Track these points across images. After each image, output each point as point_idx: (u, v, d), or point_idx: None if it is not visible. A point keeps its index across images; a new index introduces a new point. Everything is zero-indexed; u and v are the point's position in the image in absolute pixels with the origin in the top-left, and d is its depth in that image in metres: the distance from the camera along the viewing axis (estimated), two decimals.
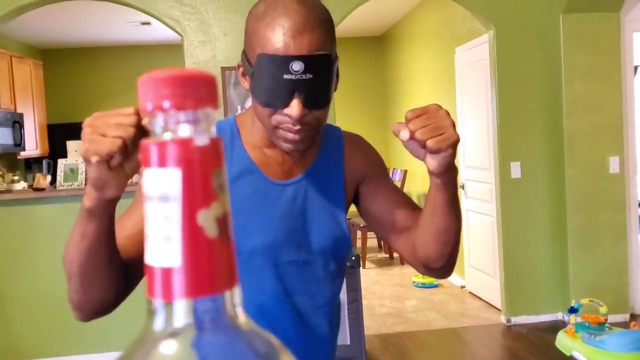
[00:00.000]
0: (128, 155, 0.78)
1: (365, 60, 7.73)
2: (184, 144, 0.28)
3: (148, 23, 6.23)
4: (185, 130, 0.28)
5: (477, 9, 4.09)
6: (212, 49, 3.91)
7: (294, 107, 0.94)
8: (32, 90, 6.47)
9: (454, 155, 0.93)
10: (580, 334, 2.79)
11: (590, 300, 3.06)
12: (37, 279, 3.74)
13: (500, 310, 4.39)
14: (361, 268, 3.95)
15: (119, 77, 7.54)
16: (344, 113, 7.05)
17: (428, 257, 1.05)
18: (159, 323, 0.28)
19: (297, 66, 0.91)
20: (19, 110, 6.05)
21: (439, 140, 0.88)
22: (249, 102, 3.44)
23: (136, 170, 0.80)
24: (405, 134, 0.89)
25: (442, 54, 5.50)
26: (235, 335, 0.29)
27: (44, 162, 6.03)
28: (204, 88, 0.28)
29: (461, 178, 5.09)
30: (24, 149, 6.08)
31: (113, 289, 0.91)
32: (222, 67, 3.90)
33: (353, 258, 3.10)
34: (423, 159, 0.94)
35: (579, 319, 2.93)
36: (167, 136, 0.28)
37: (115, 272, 0.90)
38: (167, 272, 0.28)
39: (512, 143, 4.16)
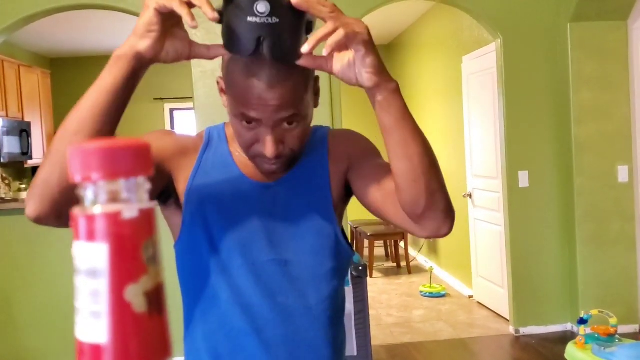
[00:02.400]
0: (177, 37, 0.86)
1: None
2: (111, 218, 0.27)
3: None
4: (113, 203, 0.28)
5: (485, 17, 4.08)
6: (219, 58, 3.90)
7: (268, 147, 0.94)
8: (40, 99, 6.49)
9: (373, 56, 0.88)
10: (590, 346, 2.75)
11: (600, 311, 3.02)
12: (43, 287, 3.74)
13: (508, 320, 4.35)
14: (368, 277, 3.93)
15: None
16: (351, 120, 7.04)
17: (406, 202, 0.94)
18: None
19: (262, 7, 0.85)
20: (26, 119, 6.07)
21: (340, 34, 0.83)
22: None
23: (175, 56, 0.87)
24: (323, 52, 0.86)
25: (449, 62, 5.49)
26: None
27: None
28: (134, 158, 0.28)
29: (469, 187, 5.06)
30: (31, 158, 6.10)
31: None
32: None
33: (360, 268, 3.08)
34: (356, 82, 0.90)
35: (588, 330, 2.89)
36: (96, 209, 0.27)
37: (117, 123, 0.88)
38: (95, 349, 0.27)
39: (520, 152, 4.13)
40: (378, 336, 4.14)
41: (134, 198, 0.28)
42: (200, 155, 1.06)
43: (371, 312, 3.13)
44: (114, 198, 0.28)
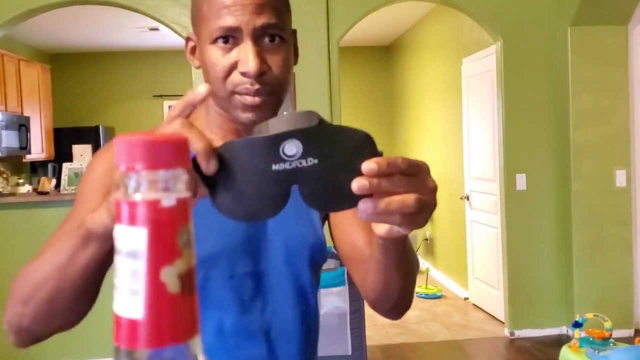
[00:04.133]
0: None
1: (372, 70, 7.73)
2: (151, 205, 0.30)
3: (156, 29, 6.25)
4: (154, 191, 0.30)
5: (485, 20, 4.09)
6: None
7: (250, 58, 0.83)
8: (40, 94, 6.49)
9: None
10: (585, 349, 2.75)
11: (595, 315, 3.03)
12: None
13: (503, 323, 4.36)
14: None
15: (126, 82, 7.56)
16: (350, 122, 7.04)
17: (371, 300, 0.90)
18: None
19: (290, 149, 0.66)
20: (25, 114, 6.07)
21: (412, 220, 0.58)
22: None
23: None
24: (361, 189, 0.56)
25: (449, 64, 5.49)
26: None
27: (49, 166, 6.04)
28: (174, 151, 0.31)
29: (466, 189, 5.07)
30: (29, 152, 6.09)
31: (84, 311, 0.77)
32: None
33: None
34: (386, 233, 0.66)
35: (583, 334, 2.90)
36: (137, 196, 0.30)
37: (95, 295, 0.77)
38: (132, 323, 0.30)
39: (518, 155, 4.14)
40: (373, 336, 4.14)
41: (172, 188, 0.31)
42: None
43: (366, 311, 3.13)
44: (154, 187, 0.30)
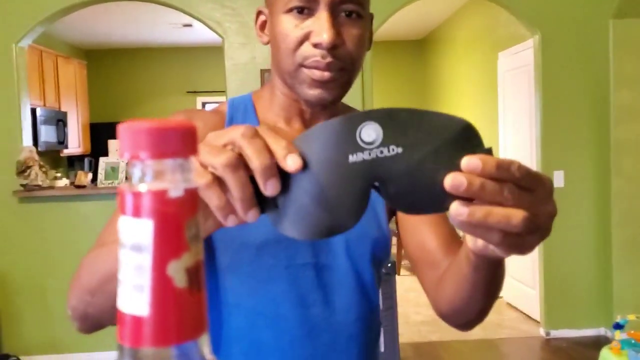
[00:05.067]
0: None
1: (406, 64, 7.66)
2: (158, 196, 0.28)
3: (190, 25, 6.30)
4: (160, 181, 0.29)
5: (522, 13, 4.00)
6: (252, 50, 3.93)
7: (324, 28, 0.78)
8: (76, 90, 6.61)
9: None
10: (627, 352, 2.68)
11: (637, 317, 2.94)
12: None
13: (539, 322, 4.28)
14: (396, 275, 3.89)
15: (160, 78, 7.65)
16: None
17: (443, 313, 0.82)
18: None
19: (369, 133, 0.50)
20: (63, 109, 6.19)
21: (515, 243, 0.47)
22: None
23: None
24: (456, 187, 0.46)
25: (484, 59, 5.40)
26: None
27: (86, 160, 6.16)
28: (181, 139, 0.29)
29: None
30: (67, 147, 6.21)
31: None
32: (261, 70, 3.92)
33: (389, 265, 3.05)
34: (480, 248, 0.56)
35: (624, 336, 2.82)
36: (143, 186, 0.28)
37: None
38: (136, 320, 0.28)
39: (556, 151, 4.05)
40: (405, 334, 4.11)
41: (179, 178, 0.29)
42: None
43: (399, 309, 3.10)
44: (160, 177, 0.29)
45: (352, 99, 3.80)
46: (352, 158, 0.47)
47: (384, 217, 0.92)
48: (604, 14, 3.94)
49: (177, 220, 0.28)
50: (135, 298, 0.28)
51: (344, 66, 0.81)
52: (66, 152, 6.35)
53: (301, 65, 0.81)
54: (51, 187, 3.91)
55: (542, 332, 4.15)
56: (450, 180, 0.45)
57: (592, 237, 4.06)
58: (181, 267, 0.28)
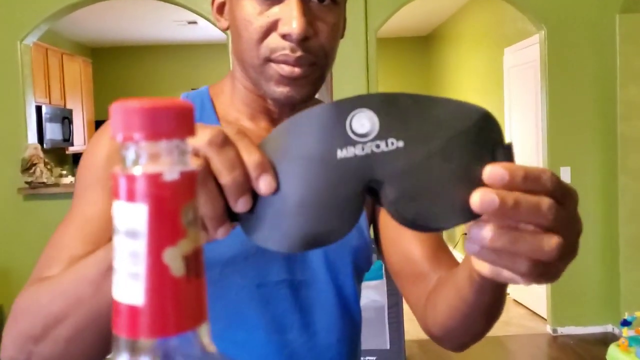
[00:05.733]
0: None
1: (410, 61, 7.64)
2: (152, 179, 0.27)
3: (194, 22, 6.30)
4: (155, 163, 0.27)
5: (528, 8, 3.97)
6: None
7: (294, 17, 0.66)
8: (82, 87, 6.62)
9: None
10: (634, 349, 2.66)
11: None
12: None
13: (545, 319, 4.25)
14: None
15: (165, 75, 7.66)
16: None
17: (434, 334, 0.73)
18: None
19: (360, 122, 0.42)
20: (68, 107, 6.20)
21: (544, 271, 0.40)
22: None
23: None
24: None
25: (490, 55, 5.38)
26: None
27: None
28: (177, 119, 0.27)
29: None
30: (72, 144, 6.22)
31: (108, 351, 0.59)
32: None
33: None
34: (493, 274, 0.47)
35: (632, 333, 2.80)
36: (136, 169, 0.27)
37: None
38: (132, 310, 0.27)
39: (562, 147, 4.02)
40: (410, 331, 4.09)
41: (175, 160, 0.28)
42: None
43: (404, 306, 3.09)
44: (155, 159, 0.27)
45: (356, 82, 3.78)
46: (342, 153, 0.38)
47: (365, 223, 0.81)
48: (611, 8, 3.91)
49: (172, 204, 0.27)
50: (130, 287, 0.27)
51: (316, 60, 0.71)
52: (71, 149, 6.35)
53: (268, 60, 0.70)
54: (56, 185, 3.91)
55: (549, 329, 4.13)
56: (479, 199, 0.36)
57: (599, 233, 4.04)
58: (178, 254, 0.27)
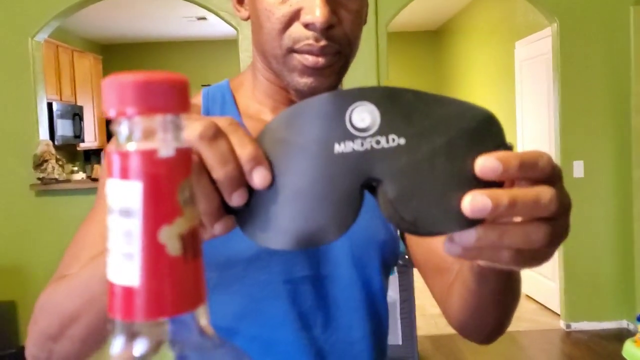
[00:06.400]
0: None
1: (420, 56, 7.59)
2: (147, 156, 0.26)
3: (204, 18, 6.29)
4: (149, 140, 0.26)
5: (540, 1, 3.93)
6: None
7: (318, 7, 0.64)
8: (92, 84, 6.64)
9: None
10: None
11: None
12: None
13: (559, 315, 4.22)
14: (414, 267, 3.86)
15: (175, 71, 7.66)
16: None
17: (455, 327, 0.73)
18: (118, 343, 0.27)
19: (360, 116, 0.40)
20: (79, 103, 6.22)
21: (533, 256, 0.39)
22: None
23: None
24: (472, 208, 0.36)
25: (501, 48, 5.33)
26: (203, 357, 0.28)
27: (102, 154, 6.19)
28: (172, 93, 0.26)
29: None
30: (83, 141, 6.25)
31: None
32: None
33: (406, 256, 3.03)
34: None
35: None
36: (130, 146, 0.26)
37: None
38: (127, 291, 0.26)
39: (575, 141, 3.98)
40: (422, 326, 4.08)
41: (170, 136, 0.27)
42: None
43: (416, 301, 3.07)
44: (149, 135, 0.26)
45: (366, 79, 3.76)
46: (339, 148, 0.36)
47: None
48: (624, 0, 3.86)
49: (168, 182, 0.26)
50: (125, 267, 0.26)
51: (340, 49, 0.69)
52: (82, 146, 6.38)
53: (291, 50, 0.68)
54: (68, 181, 3.93)
55: (562, 324, 4.10)
56: (469, 204, 0.34)
57: (613, 228, 4.00)
58: (174, 233, 0.26)
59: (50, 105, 5.24)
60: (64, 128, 5.68)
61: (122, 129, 0.26)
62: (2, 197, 3.80)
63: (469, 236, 0.35)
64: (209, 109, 0.77)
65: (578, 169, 3.98)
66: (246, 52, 3.90)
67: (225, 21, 3.93)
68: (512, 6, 4.97)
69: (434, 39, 7.58)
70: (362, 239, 0.76)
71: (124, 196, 0.26)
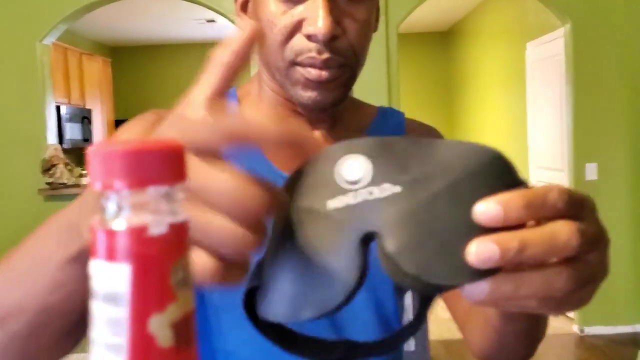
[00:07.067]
0: None
1: (430, 57, 7.55)
2: (135, 234, 0.23)
3: (213, 20, 6.28)
4: (140, 215, 0.23)
5: (552, 1, 3.88)
6: None
7: (320, 17, 0.61)
8: (101, 87, 6.64)
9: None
10: None
11: None
12: None
13: (572, 319, 4.17)
14: None
15: (184, 74, 7.66)
16: (409, 110, 6.89)
17: (477, 356, 0.69)
18: None
19: (351, 168, 0.38)
20: (87, 106, 6.23)
21: (561, 303, 0.35)
22: None
23: None
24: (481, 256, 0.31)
25: (512, 49, 5.28)
26: None
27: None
28: (165, 163, 0.24)
29: (531, 179, 4.86)
30: (91, 144, 6.25)
31: (71, 348, 0.51)
32: None
33: None
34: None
35: None
36: (118, 223, 0.23)
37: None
38: None
39: (588, 143, 3.93)
40: (434, 331, 4.04)
41: (163, 211, 0.24)
42: None
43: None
44: (140, 210, 0.23)
45: (378, 94, 3.73)
46: (332, 204, 0.34)
47: None
48: None
49: (159, 263, 0.23)
50: None
51: (345, 62, 0.65)
52: None
53: (293, 63, 0.65)
54: (77, 185, 3.91)
55: (575, 329, 4.05)
56: (474, 253, 0.30)
57: (628, 231, 3.94)
58: (166, 321, 0.23)
59: (58, 109, 5.24)
60: (72, 131, 5.68)
61: (109, 203, 0.23)
62: (10, 201, 3.79)
63: (480, 290, 0.31)
64: None
65: (591, 172, 3.93)
66: (255, 55, 3.88)
67: (235, 24, 3.91)
68: (524, 7, 4.92)
69: (444, 40, 7.54)
70: (375, 257, 0.70)
71: (109, 280, 0.23)
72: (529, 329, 0.52)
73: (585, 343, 3.87)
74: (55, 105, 4.10)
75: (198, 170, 0.30)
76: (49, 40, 3.92)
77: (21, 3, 3.78)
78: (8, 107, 3.79)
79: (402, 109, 3.24)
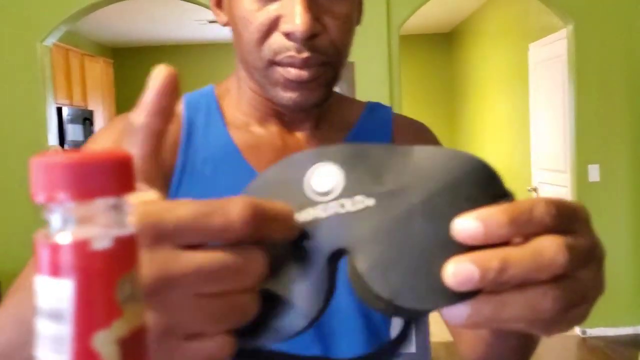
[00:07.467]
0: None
1: (433, 58, 7.54)
2: (78, 248, 0.22)
3: (215, 21, 6.28)
4: (86, 228, 0.23)
5: (554, 2, 3.87)
6: None
7: (298, 14, 0.57)
8: (103, 88, 6.64)
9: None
10: None
11: None
12: None
13: None
14: None
15: (186, 75, 7.66)
16: (411, 112, 6.90)
17: None
18: None
19: (320, 179, 0.35)
20: (89, 108, 6.23)
21: (550, 324, 0.32)
22: None
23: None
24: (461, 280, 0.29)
25: (514, 50, 5.28)
26: None
27: None
28: (112, 174, 0.23)
29: (534, 181, 4.86)
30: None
31: None
32: None
33: None
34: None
35: None
36: (62, 236, 0.22)
37: None
38: None
39: (590, 144, 3.92)
40: (436, 333, 4.02)
41: (110, 223, 0.23)
42: (183, 146, 0.67)
43: None
44: (86, 223, 0.23)
45: (380, 95, 3.72)
46: (300, 217, 0.31)
47: None
48: None
49: (104, 278, 0.22)
50: None
51: (326, 60, 0.62)
52: None
53: (272, 62, 0.61)
54: None
55: (577, 330, 4.03)
56: (452, 275, 0.28)
57: (630, 232, 3.93)
58: (111, 337, 0.22)
59: (60, 110, 5.24)
60: (74, 133, 5.68)
61: (53, 216, 0.23)
62: (12, 205, 3.79)
63: (459, 313, 0.29)
64: (192, 119, 0.69)
65: (594, 173, 3.92)
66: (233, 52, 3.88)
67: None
68: (526, 8, 4.91)
69: (446, 41, 7.53)
70: None
71: (53, 296, 0.22)
72: (522, 344, 0.50)
73: (587, 344, 3.86)
74: (57, 106, 4.10)
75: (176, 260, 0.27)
76: (50, 41, 3.92)
77: (22, 4, 3.78)
78: (9, 108, 3.79)
79: (404, 111, 3.21)
